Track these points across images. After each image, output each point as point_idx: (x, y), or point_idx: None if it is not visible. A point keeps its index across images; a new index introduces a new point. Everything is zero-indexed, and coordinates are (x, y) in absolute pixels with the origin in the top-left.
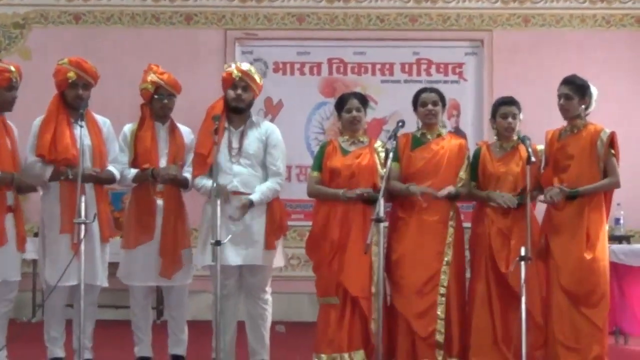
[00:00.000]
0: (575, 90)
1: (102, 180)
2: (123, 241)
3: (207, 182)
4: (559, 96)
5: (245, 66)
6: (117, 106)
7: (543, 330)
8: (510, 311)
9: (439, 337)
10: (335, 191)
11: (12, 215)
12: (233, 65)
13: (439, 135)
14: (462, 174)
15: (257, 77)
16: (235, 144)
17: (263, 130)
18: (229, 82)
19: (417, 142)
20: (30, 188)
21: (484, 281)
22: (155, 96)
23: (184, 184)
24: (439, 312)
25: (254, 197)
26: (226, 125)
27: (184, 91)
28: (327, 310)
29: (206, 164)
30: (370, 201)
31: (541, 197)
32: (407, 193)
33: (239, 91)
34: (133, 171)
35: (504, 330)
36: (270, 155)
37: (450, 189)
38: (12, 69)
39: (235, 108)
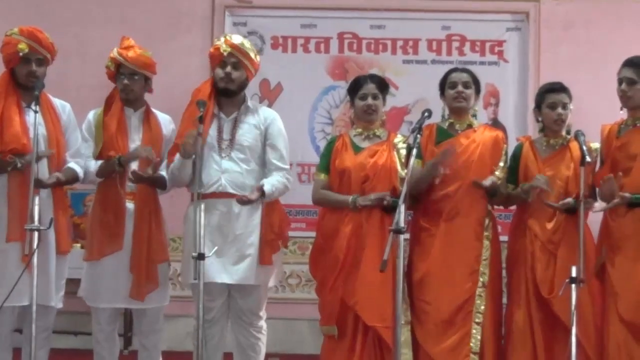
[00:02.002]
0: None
1: (65, 183)
2: (86, 252)
3: (176, 161)
4: (620, 80)
5: (237, 39)
6: (79, 88)
7: None
8: (555, 345)
9: None
10: (344, 198)
11: None
12: (222, 39)
13: (470, 126)
14: (499, 173)
15: (251, 53)
16: (226, 135)
17: (261, 117)
18: (217, 59)
19: (443, 134)
20: None
21: (525, 309)
22: (120, 77)
23: (160, 183)
24: (472, 345)
25: (265, 185)
26: (216, 111)
27: (163, 71)
28: (332, 342)
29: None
30: (391, 208)
31: (597, 205)
32: (432, 172)
33: (228, 69)
34: (96, 163)
35: None
36: (274, 149)
37: (493, 178)
38: None
39: (225, 90)
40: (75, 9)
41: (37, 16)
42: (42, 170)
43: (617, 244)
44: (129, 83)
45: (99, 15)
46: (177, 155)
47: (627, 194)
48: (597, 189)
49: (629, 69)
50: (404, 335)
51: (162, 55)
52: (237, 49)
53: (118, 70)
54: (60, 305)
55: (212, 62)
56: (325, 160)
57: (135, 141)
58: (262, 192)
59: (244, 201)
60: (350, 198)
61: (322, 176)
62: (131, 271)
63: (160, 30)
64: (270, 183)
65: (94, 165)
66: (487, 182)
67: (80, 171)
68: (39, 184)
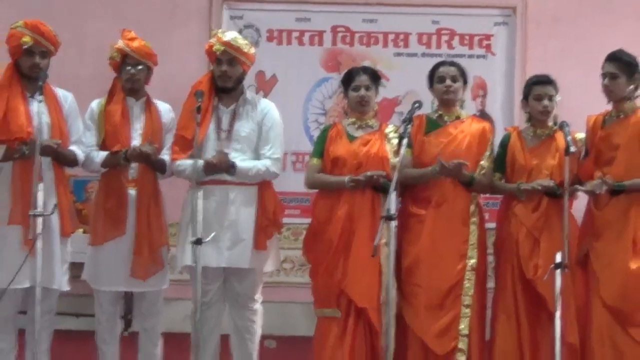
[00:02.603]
0: (622, 68)
1: (62, 157)
2: (90, 237)
3: (189, 162)
4: (603, 75)
5: (229, 35)
6: (78, 79)
7: (578, 352)
8: (539, 328)
9: (461, 358)
10: (340, 178)
11: None
12: (215, 37)
13: (458, 117)
14: (484, 162)
15: (245, 47)
16: (225, 126)
17: (259, 109)
18: (212, 57)
19: (432, 125)
20: None
21: (511, 293)
22: (125, 67)
23: (160, 167)
24: (461, 327)
25: (239, 162)
26: (215, 103)
27: (161, 63)
28: (325, 324)
29: (189, 148)
30: (383, 189)
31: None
32: (430, 176)
33: (224, 67)
34: (102, 154)
35: (532, 349)
36: (264, 139)
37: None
38: None
39: (223, 87)
40: (75, 3)
41: (36, 7)
42: (47, 159)
43: (599, 231)
44: (135, 72)
45: (96, 8)
46: (191, 161)
47: (610, 180)
48: (580, 180)
49: (610, 64)
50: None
51: (160, 48)
52: (229, 46)
53: (123, 60)
54: (67, 288)
55: (209, 59)
56: (320, 146)
57: (137, 130)
58: (231, 166)
59: (208, 163)
60: (346, 178)
61: (316, 161)
62: (134, 254)
63: (157, 23)
64: (246, 163)
65: (99, 156)
66: (451, 164)
67: (80, 154)
68: (43, 152)
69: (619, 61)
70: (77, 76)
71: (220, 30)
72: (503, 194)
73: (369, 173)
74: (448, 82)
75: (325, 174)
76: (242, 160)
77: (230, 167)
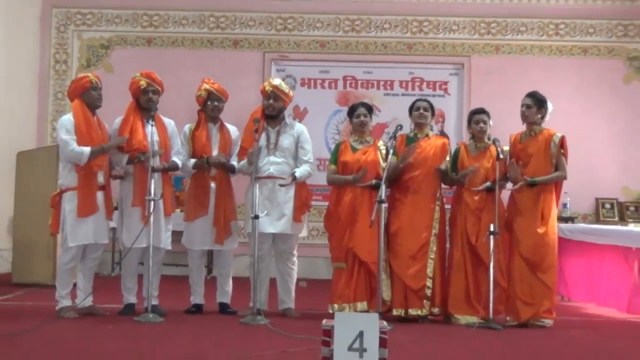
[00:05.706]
0: (535, 102)
1: (169, 170)
2: (184, 215)
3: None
4: (522, 105)
5: (276, 81)
6: (175, 112)
7: (506, 289)
8: (480, 274)
9: (428, 291)
10: (347, 177)
11: (102, 192)
12: (267, 81)
13: (427, 135)
14: (444, 165)
15: (286, 89)
16: (272, 140)
17: (295, 129)
18: (264, 94)
19: (410, 140)
20: (119, 177)
21: (460, 250)
22: (208, 102)
23: (231, 170)
24: (428, 272)
25: (296, 173)
26: (265, 125)
27: (230, 100)
28: (338, 272)
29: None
30: (377, 187)
31: (509, 185)
32: (402, 161)
33: (271, 101)
34: (192, 161)
35: (475, 289)
36: (303, 149)
37: (443, 165)
38: (89, 74)
39: (269, 115)
40: (176, 62)
41: (152, 65)
42: (156, 162)
43: (519, 210)
44: (218, 104)
45: (190, 66)
46: (246, 161)
47: (528, 178)
48: (507, 175)
49: (528, 98)
50: (384, 267)
51: (230, 91)
52: (276, 89)
53: (208, 97)
54: (169, 247)
55: (262, 95)
56: (334, 156)
57: (215, 144)
58: (294, 178)
59: (282, 185)
60: (351, 176)
61: (332, 167)
62: (214, 226)
63: (229, 75)
64: (300, 172)
65: (190, 162)
66: (442, 166)
67: (179, 163)
68: (154, 170)
69: (533, 97)
70: (176, 109)
71: (272, 77)
72: (456, 185)
73: (367, 183)
74: (422, 110)
75: (338, 174)
76: (284, 163)
77: (294, 178)
